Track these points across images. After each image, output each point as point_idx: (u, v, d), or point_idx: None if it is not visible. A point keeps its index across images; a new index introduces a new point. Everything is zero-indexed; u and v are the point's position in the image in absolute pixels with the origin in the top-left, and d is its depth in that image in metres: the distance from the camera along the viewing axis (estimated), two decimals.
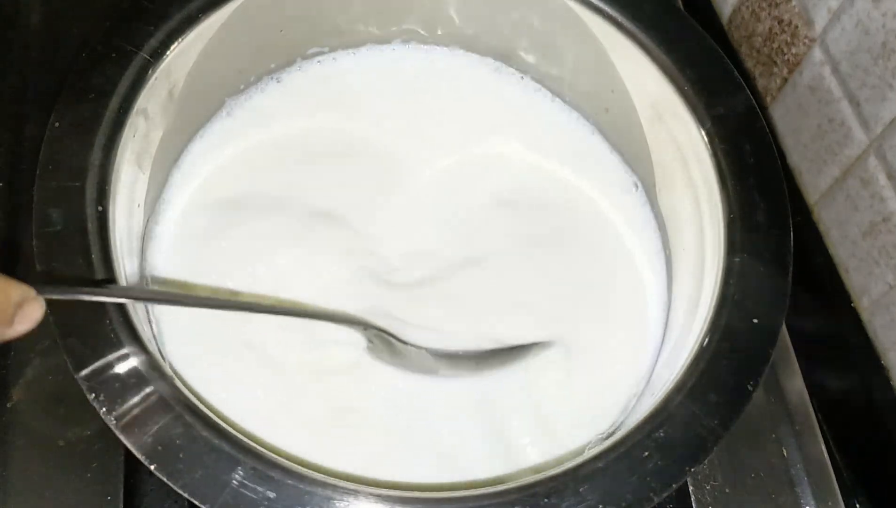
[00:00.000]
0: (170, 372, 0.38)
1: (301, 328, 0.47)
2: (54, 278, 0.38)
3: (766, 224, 0.43)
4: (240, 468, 0.35)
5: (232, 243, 0.49)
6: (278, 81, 0.55)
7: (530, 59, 0.56)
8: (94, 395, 0.36)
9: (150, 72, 0.44)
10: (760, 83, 0.59)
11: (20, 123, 0.54)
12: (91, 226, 0.40)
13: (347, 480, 0.36)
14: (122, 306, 0.38)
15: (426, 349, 0.47)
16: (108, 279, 0.39)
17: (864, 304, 0.52)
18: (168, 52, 0.45)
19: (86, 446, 0.45)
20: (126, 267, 0.42)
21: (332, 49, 0.56)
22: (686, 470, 0.37)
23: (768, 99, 0.59)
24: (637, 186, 0.54)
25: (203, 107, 0.52)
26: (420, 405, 0.46)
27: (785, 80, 0.56)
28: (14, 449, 0.44)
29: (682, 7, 0.60)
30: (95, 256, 0.39)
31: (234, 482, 0.35)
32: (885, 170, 0.48)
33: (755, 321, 0.41)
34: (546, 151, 0.55)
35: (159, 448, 0.35)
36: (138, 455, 0.35)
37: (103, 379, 0.36)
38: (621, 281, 0.51)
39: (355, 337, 0.46)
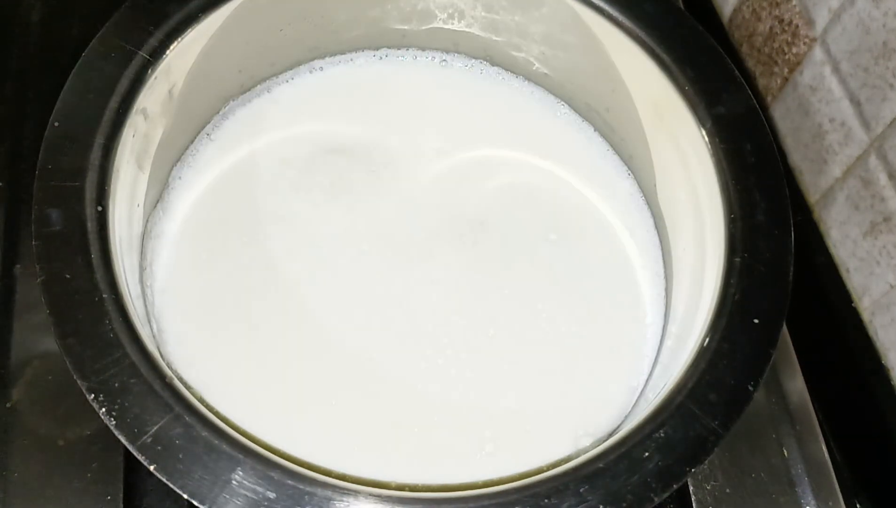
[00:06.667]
0: (170, 372, 0.38)
1: (303, 328, 0.47)
2: None
3: (766, 224, 0.43)
4: (240, 468, 0.35)
5: (232, 242, 0.49)
6: (278, 84, 0.55)
7: (529, 59, 0.56)
8: (93, 395, 0.36)
9: (149, 71, 0.44)
10: (761, 83, 0.59)
11: (20, 123, 0.54)
12: (91, 226, 0.40)
13: (347, 480, 0.36)
14: (121, 307, 0.38)
15: None
16: (109, 279, 0.39)
17: (865, 304, 0.52)
18: (168, 52, 0.45)
19: (86, 446, 0.45)
20: (126, 267, 0.42)
21: (332, 52, 0.56)
22: (686, 470, 0.37)
23: (769, 99, 0.58)
24: (637, 187, 0.54)
25: (203, 107, 0.52)
26: (422, 405, 0.46)
27: (786, 79, 0.56)
28: (14, 449, 0.44)
29: (682, 6, 0.60)
30: (95, 256, 0.39)
31: (234, 482, 0.35)
32: (886, 170, 0.48)
33: (755, 320, 0.41)
34: (545, 152, 0.55)
35: (159, 448, 0.35)
36: (138, 455, 0.35)
37: (103, 379, 0.36)
38: (620, 281, 0.51)
39: (360, 334, 0.46)
